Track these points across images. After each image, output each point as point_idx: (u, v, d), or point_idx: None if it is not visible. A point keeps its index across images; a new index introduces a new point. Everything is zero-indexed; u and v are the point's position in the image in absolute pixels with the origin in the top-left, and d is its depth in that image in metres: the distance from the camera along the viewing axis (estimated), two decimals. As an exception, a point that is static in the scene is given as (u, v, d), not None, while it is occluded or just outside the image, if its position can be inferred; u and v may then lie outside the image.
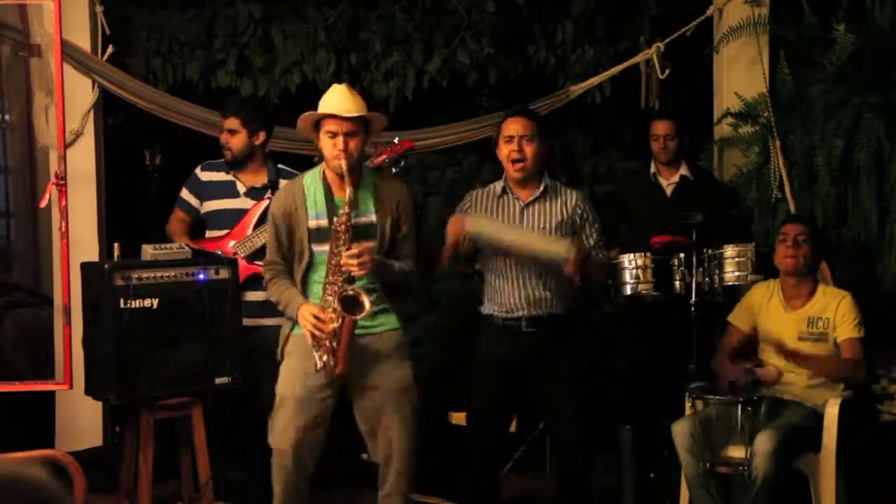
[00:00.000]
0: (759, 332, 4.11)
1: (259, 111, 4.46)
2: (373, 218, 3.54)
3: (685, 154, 4.84)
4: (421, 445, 3.68)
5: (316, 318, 3.40)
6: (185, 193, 4.44)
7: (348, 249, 3.38)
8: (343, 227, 3.40)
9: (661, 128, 4.77)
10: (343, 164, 3.40)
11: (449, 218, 3.88)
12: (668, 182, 4.83)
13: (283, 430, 3.52)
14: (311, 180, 3.59)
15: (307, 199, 3.55)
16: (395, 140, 4.23)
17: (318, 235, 3.53)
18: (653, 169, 4.87)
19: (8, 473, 1.33)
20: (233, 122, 4.28)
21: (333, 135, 3.44)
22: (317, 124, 3.50)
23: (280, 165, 4.39)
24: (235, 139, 4.28)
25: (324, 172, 3.58)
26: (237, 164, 4.32)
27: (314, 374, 3.49)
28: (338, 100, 3.47)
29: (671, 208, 4.70)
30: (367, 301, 3.36)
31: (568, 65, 5.38)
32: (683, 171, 4.81)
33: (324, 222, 3.52)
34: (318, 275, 3.54)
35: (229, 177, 4.36)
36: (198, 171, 4.44)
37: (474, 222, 3.75)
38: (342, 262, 3.38)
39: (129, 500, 3.93)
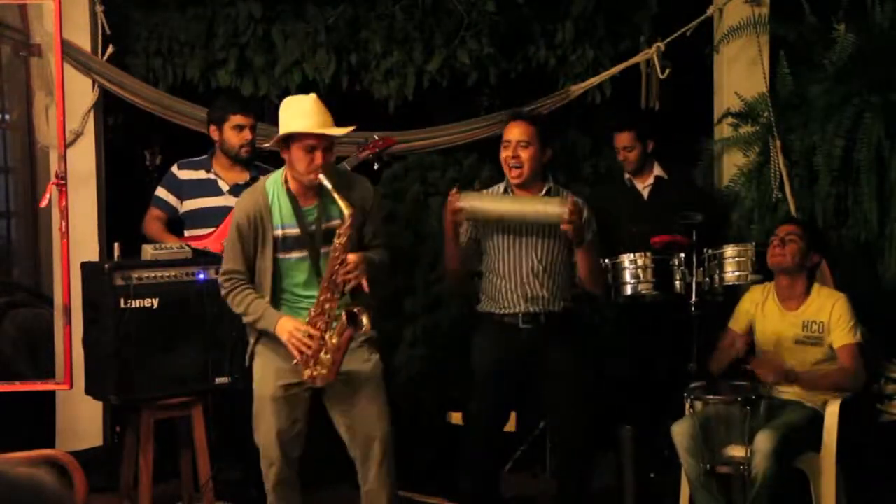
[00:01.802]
0: (756, 335, 4.11)
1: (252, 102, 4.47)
2: (344, 241, 3.51)
3: (655, 157, 4.82)
4: (420, 445, 3.68)
5: (305, 334, 3.40)
6: (161, 192, 4.43)
7: (344, 266, 3.40)
8: (341, 247, 3.41)
9: (618, 140, 4.77)
10: (323, 179, 3.38)
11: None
12: (644, 185, 4.83)
13: (266, 430, 3.54)
14: (273, 188, 3.54)
15: (272, 208, 3.51)
16: (376, 136, 4.28)
17: (283, 244, 3.52)
18: (626, 174, 4.88)
19: (8, 475, 1.32)
20: (252, 119, 4.28)
21: (312, 149, 3.41)
22: (286, 138, 3.45)
23: (257, 163, 4.40)
24: (254, 135, 4.29)
25: (286, 179, 3.53)
26: (249, 161, 4.32)
27: (287, 373, 3.51)
28: (312, 115, 3.42)
29: (650, 210, 4.71)
30: (365, 319, 3.38)
31: (568, 65, 5.38)
32: (657, 171, 4.81)
33: (290, 231, 3.52)
34: (287, 281, 3.54)
35: (210, 175, 4.35)
36: (175, 169, 4.43)
37: (466, 197, 3.76)
38: (340, 279, 3.41)
39: (129, 500, 3.93)
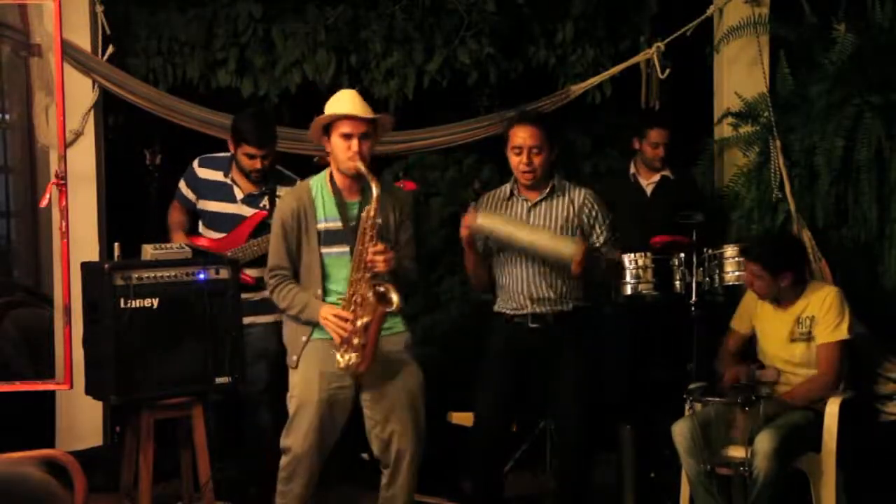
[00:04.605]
0: (757, 334, 4.11)
1: (274, 129, 4.42)
2: (378, 221, 3.55)
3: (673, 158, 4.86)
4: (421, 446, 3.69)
5: (340, 318, 3.44)
6: (182, 186, 4.45)
7: (375, 246, 3.43)
8: (370, 222, 3.44)
9: (655, 135, 4.78)
10: (360, 165, 3.47)
11: (454, 217, 3.93)
12: (648, 182, 4.85)
13: (305, 434, 3.53)
14: (317, 185, 3.63)
15: (316, 203, 3.59)
16: (399, 175, 4.31)
17: (328, 238, 3.56)
18: (632, 169, 4.89)
19: (6, 475, 1.33)
20: (266, 150, 4.27)
21: (348, 136, 3.50)
22: (326, 128, 3.55)
23: (278, 167, 4.39)
24: (268, 161, 4.29)
25: (331, 176, 3.62)
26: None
27: (334, 377, 3.52)
28: (350, 103, 3.54)
29: (651, 208, 4.71)
30: (395, 296, 3.41)
31: (568, 65, 5.38)
32: (665, 171, 4.82)
33: (334, 225, 3.57)
34: (331, 278, 3.57)
35: (227, 179, 4.35)
36: (195, 165, 4.43)
37: (485, 218, 3.80)
38: (368, 258, 3.43)
39: (129, 500, 3.93)
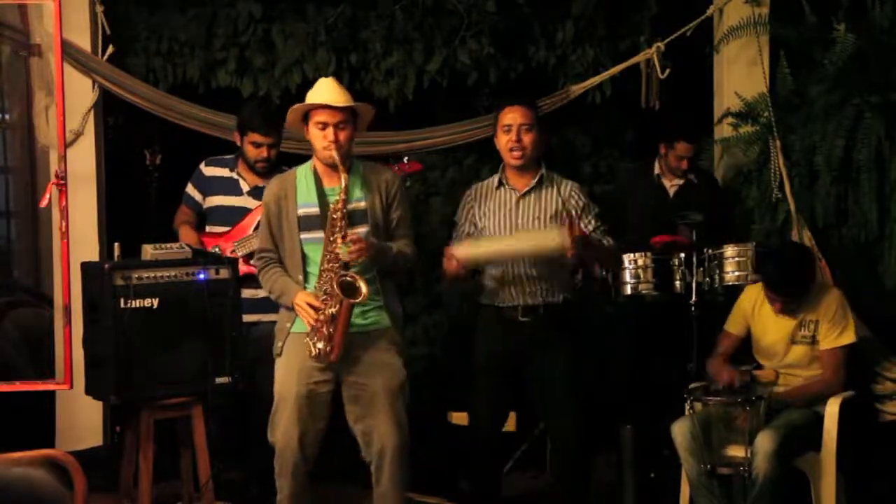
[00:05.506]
0: (754, 336, 4.10)
1: (280, 118, 4.45)
2: (363, 204, 3.59)
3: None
4: (420, 445, 3.68)
5: (311, 306, 3.45)
6: (189, 189, 4.47)
7: (343, 237, 3.43)
8: (339, 213, 3.46)
9: (682, 149, 4.74)
10: (335, 154, 3.47)
11: (450, 237, 3.98)
12: (672, 183, 4.83)
13: (285, 428, 3.53)
14: (302, 172, 3.67)
15: (298, 188, 3.62)
16: (405, 159, 4.32)
17: (306, 223, 3.58)
18: (657, 170, 4.87)
19: (6, 475, 1.32)
20: (272, 138, 4.29)
21: (324, 126, 3.52)
22: (305, 117, 3.58)
23: (284, 167, 4.40)
24: (274, 151, 4.32)
25: (314, 164, 3.65)
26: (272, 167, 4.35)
27: (313, 371, 3.52)
28: (326, 92, 3.55)
29: (673, 209, 4.70)
30: (363, 286, 3.41)
31: (568, 65, 5.38)
32: (689, 175, 4.82)
33: (312, 210, 3.58)
34: (311, 262, 3.59)
35: (233, 174, 4.39)
36: (202, 166, 4.47)
37: (464, 251, 3.74)
38: (337, 250, 3.44)
39: (129, 500, 3.93)
